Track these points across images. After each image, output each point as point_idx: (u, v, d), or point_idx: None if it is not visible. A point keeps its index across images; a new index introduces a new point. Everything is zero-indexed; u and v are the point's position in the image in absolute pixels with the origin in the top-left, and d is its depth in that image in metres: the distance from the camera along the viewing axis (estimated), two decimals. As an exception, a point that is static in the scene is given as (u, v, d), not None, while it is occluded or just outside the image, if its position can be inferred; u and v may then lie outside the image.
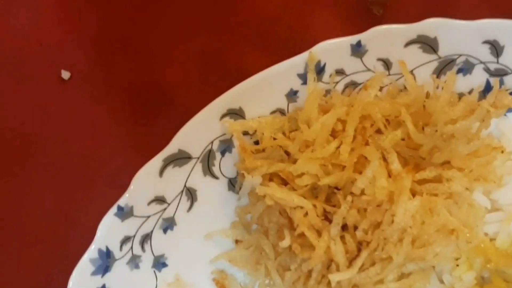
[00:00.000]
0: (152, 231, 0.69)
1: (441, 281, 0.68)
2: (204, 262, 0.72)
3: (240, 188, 0.71)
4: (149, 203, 0.68)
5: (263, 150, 0.69)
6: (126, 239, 0.68)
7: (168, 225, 0.70)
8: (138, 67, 0.77)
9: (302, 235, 0.66)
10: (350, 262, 0.66)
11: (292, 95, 0.69)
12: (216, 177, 0.70)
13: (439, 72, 0.69)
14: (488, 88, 0.70)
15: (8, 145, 0.76)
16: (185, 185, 0.69)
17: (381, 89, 0.69)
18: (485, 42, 0.68)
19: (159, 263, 0.70)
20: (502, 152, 0.69)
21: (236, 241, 0.72)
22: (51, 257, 0.75)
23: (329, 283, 0.67)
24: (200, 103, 0.67)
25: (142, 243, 0.69)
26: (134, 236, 0.69)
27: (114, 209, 0.67)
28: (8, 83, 0.77)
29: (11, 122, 0.76)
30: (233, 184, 0.71)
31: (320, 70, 0.68)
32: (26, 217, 0.75)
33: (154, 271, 0.70)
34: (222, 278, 0.72)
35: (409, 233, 0.64)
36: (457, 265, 0.67)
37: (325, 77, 0.69)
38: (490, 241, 0.67)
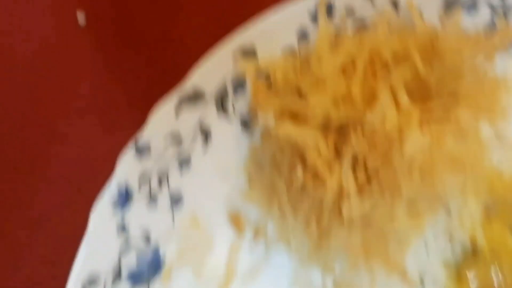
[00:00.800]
0: (168, 170, 0.71)
1: (449, 214, 0.70)
2: (219, 201, 0.74)
3: (253, 127, 0.73)
4: (165, 142, 0.70)
5: (276, 89, 0.71)
6: (143, 178, 0.70)
7: (184, 164, 0.72)
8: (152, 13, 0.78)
9: (314, 170, 0.68)
10: (361, 196, 0.68)
11: (303, 35, 0.71)
12: (229, 117, 0.72)
13: (444, 9, 0.71)
14: (493, 24, 0.71)
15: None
16: (199, 125, 0.71)
17: (389, 29, 0.71)
18: (491, -22, 0.69)
19: (176, 202, 0.72)
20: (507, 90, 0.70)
21: (250, 180, 0.74)
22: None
23: (341, 219, 0.68)
24: (212, 45, 0.69)
25: (159, 182, 0.71)
26: (151, 175, 0.71)
27: (132, 147, 0.68)
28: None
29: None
30: (246, 124, 0.73)
31: (329, 10, 0.70)
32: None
33: (172, 210, 0.72)
34: (237, 217, 0.74)
35: (418, 164, 0.66)
36: (465, 198, 0.69)
37: (335, 19, 0.70)
38: (497, 173, 0.69)
